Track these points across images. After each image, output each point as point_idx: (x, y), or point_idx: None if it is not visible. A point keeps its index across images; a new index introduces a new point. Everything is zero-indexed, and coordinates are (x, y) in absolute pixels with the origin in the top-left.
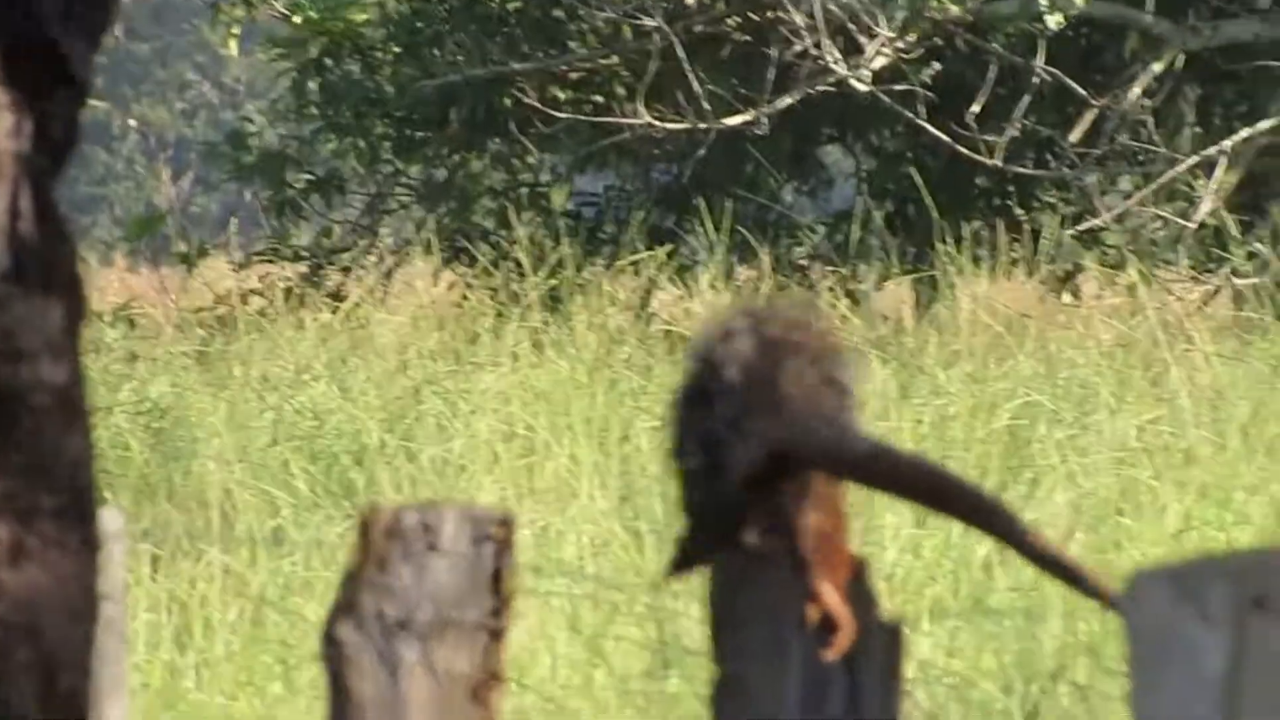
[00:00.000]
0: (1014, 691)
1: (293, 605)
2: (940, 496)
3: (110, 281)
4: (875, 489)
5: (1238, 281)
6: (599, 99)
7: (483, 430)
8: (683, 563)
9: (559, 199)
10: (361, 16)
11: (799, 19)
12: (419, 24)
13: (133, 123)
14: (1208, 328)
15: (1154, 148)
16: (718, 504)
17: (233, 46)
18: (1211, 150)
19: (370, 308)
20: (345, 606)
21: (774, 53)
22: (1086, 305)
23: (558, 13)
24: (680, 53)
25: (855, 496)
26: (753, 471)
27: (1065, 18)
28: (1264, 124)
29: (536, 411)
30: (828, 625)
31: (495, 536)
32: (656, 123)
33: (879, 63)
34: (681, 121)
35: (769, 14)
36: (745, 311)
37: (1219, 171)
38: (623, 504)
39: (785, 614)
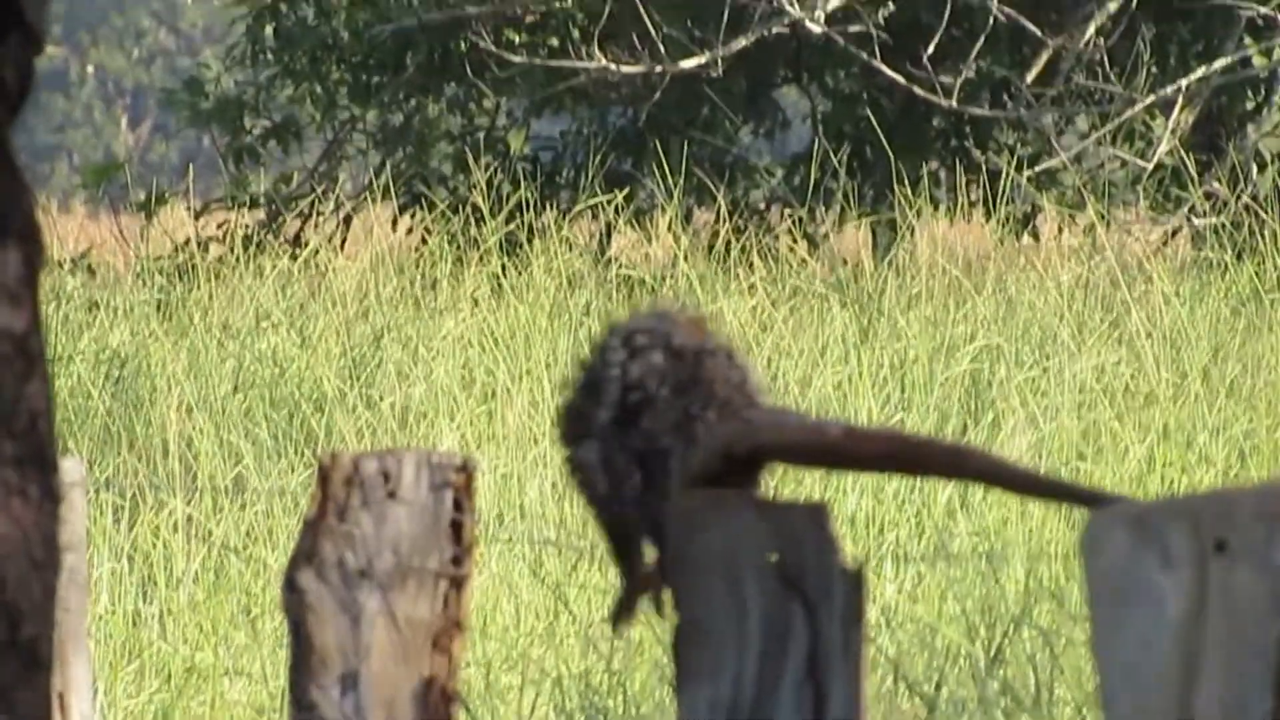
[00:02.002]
0: (977, 636)
1: (256, 554)
2: (914, 461)
3: (70, 229)
4: (848, 469)
5: (1196, 221)
6: (554, 43)
7: (443, 376)
8: (630, 598)
9: (516, 143)
10: None
11: None
12: None
13: (90, 69)
14: (1167, 268)
15: (1110, 87)
16: (656, 518)
17: None
18: (1168, 90)
19: (329, 254)
20: (306, 555)
21: None
22: (1045, 247)
23: None
24: None
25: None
26: (705, 473)
27: None
28: (1219, 63)
29: (497, 357)
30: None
31: (455, 483)
32: (612, 66)
33: (833, 4)
34: (636, 64)
35: None
36: (635, 327)
37: (1176, 111)
38: None
39: (743, 558)
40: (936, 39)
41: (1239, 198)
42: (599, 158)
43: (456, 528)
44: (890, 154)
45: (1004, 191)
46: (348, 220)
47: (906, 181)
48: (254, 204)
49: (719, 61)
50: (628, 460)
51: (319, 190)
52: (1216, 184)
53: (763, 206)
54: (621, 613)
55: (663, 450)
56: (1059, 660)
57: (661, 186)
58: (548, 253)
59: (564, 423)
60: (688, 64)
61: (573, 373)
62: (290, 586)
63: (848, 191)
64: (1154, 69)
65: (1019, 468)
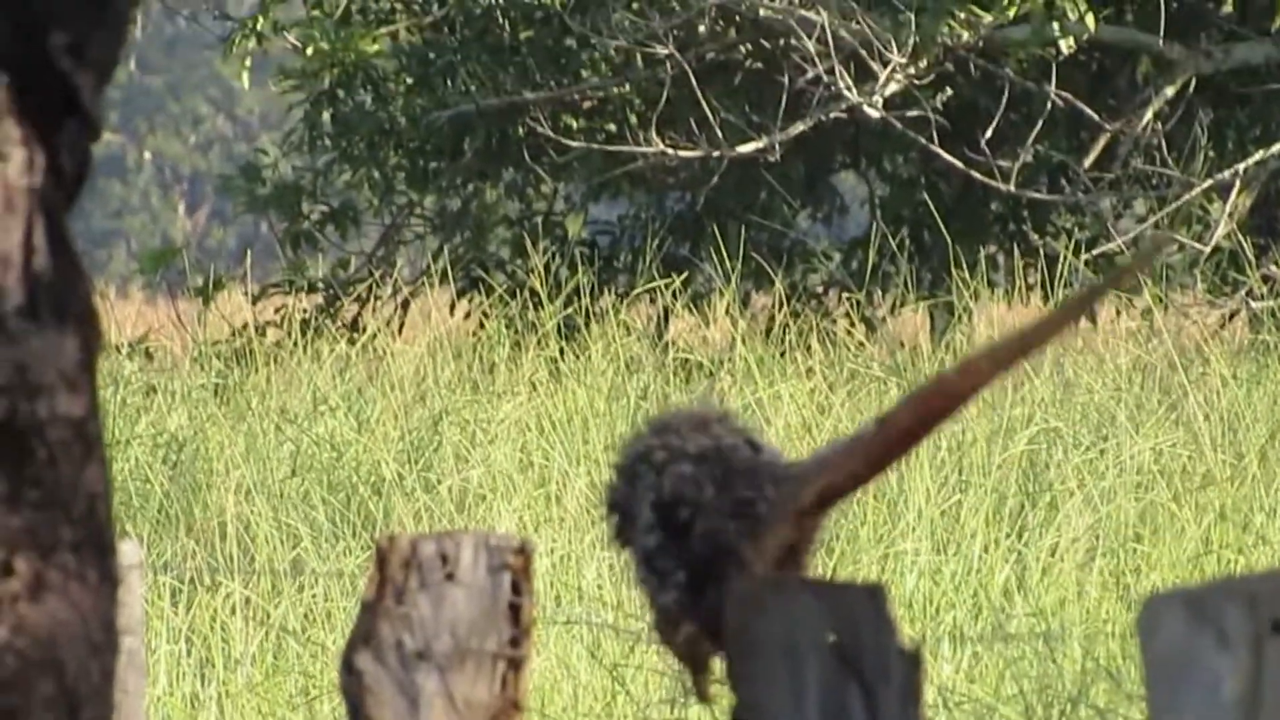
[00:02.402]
0: (1035, 716)
1: (314, 636)
2: (945, 400)
3: (127, 314)
4: (903, 455)
5: (1254, 305)
6: (612, 128)
7: (501, 460)
8: (700, 675)
9: (574, 228)
10: (373, 48)
11: (810, 46)
12: (431, 54)
13: (148, 156)
14: (1224, 351)
15: (1168, 171)
16: (711, 607)
17: (245, 79)
18: (1225, 174)
19: (387, 338)
20: (364, 637)
21: (786, 80)
22: (1103, 330)
23: (569, 42)
24: (692, 81)
25: (871, 526)
26: (781, 542)
27: (1076, 42)
28: (1277, 147)
29: (554, 440)
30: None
31: (512, 565)
32: (669, 150)
33: (891, 89)
34: (694, 149)
35: (780, 41)
36: (650, 445)
37: (1233, 195)
38: None
39: (801, 640)
40: (994, 124)
41: None
42: (656, 242)
43: (515, 609)
44: (948, 238)
45: (1062, 275)
46: (405, 304)
47: (964, 265)
48: (312, 289)
49: (777, 146)
50: (690, 569)
51: (377, 275)
52: (1274, 267)
53: (820, 290)
54: (701, 692)
55: (729, 542)
56: None
57: (719, 270)
58: (605, 336)
59: (616, 543)
60: (745, 149)
61: (606, 501)
62: (348, 668)
63: (906, 275)
64: (1211, 153)
65: (1022, 330)
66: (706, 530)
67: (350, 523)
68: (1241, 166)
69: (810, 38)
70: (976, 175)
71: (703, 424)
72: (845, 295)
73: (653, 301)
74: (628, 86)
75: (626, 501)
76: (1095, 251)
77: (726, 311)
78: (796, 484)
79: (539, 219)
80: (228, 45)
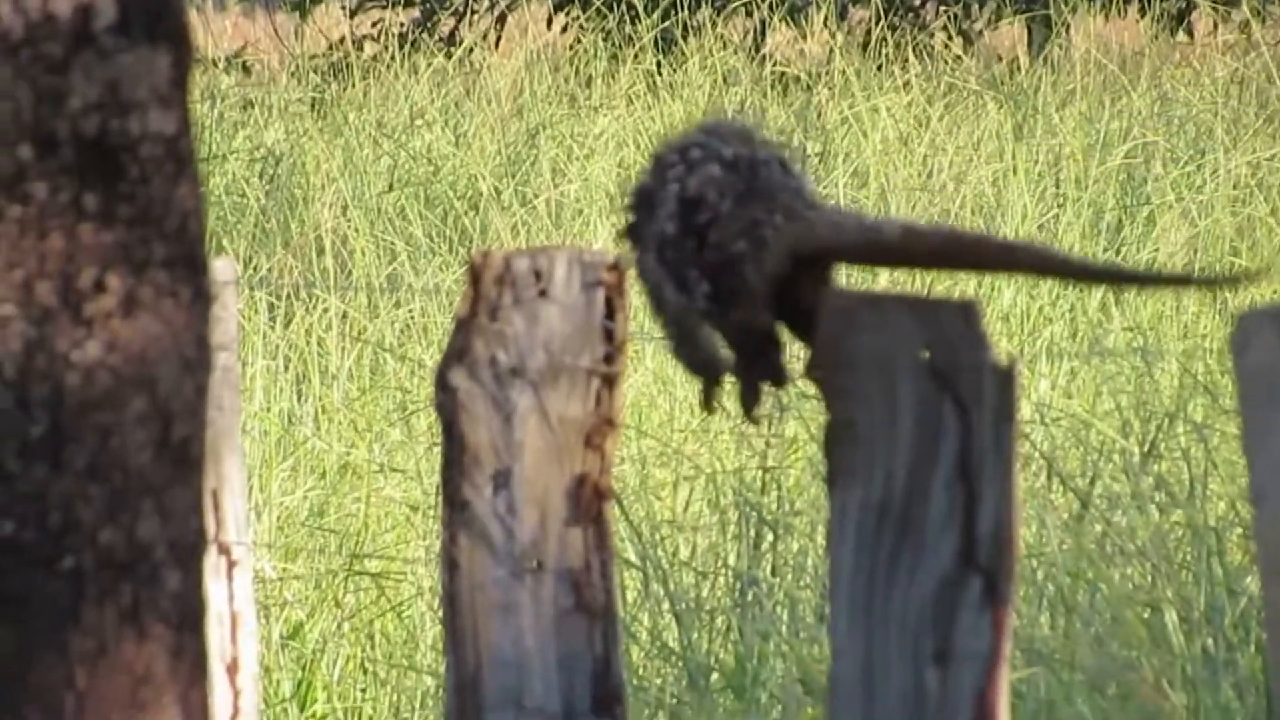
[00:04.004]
0: (1131, 432)
1: (409, 352)
2: (969, 256)
3: (224, 28)
4: (906, 267)
5: None
6: None
7: (598, 175)
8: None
9: None
10: None
11: None
12: None
13: None
14: None
15: None
16: (736, 325)
17: None
18: None
19: (484, 52)
20: (458, 353)
21: None
22: (1200, 43)
23: None
24: None
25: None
26: (777, 274)
27: None
28: None
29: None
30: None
31: (606, 282)
32: None
33: None
34: None
35: None
36: (688, 142)
37: None
38: None
39: (895, 355)
40: None
41: None
42: None
43: (609, 326)
44: None
45: None
46: (502, 18)
47: None
48: (409, 2)
49: None
50: (700, 273)
51: None
52: None
53: (918, 3)
54: (707, 402)
55: (735, 258)
56: (1212, 455)
57: None
58: (702, 50)
59: (626, 239)
60: None
61: (628, 191)
62: (442, 385)
63: None
64: None
65: (1069, 256)
66: (718, 240)
67: (447, 237)
68: None
69: None
70: None
71: (748, 137)
72: (943, 8)
73: (750, 14)
74: None
75: (652, 191)
76: None
77: (824, 24)
78: (805, 227)
79: None
80: None
